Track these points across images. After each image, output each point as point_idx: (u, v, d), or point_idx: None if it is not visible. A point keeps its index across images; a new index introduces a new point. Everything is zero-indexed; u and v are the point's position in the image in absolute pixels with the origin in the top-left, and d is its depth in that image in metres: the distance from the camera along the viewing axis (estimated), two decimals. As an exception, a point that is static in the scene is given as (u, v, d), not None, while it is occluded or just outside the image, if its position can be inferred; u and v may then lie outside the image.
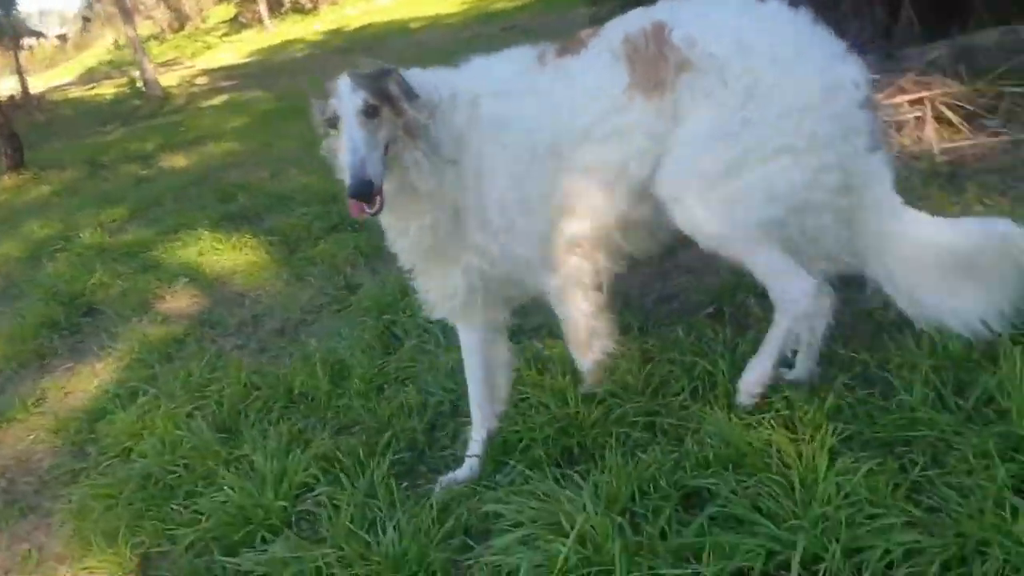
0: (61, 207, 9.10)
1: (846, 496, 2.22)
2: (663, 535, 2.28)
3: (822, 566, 2.05)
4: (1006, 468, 2.16)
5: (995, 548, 1.97)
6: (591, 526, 2.24)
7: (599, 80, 2.74)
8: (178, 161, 10.28)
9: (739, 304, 3.51)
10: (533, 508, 2.49)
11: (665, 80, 2.67)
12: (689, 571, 2.14)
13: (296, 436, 3.35)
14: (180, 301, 5.48)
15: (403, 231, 2.80)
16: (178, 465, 3.39)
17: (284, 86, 15.04)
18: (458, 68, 2.91)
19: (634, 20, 2.79)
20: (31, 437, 4.19)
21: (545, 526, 2.38)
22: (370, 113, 2.50)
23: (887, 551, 2.05)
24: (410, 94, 2.61)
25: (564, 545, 2.23)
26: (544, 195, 2.81)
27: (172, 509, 3.16)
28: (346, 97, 2.51)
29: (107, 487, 3.41)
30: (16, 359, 5.09)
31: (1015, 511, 2.03)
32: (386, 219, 2.78)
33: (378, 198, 2.48)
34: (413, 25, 18.87)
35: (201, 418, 3.66)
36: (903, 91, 4.96)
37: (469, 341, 3.09)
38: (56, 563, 3.17)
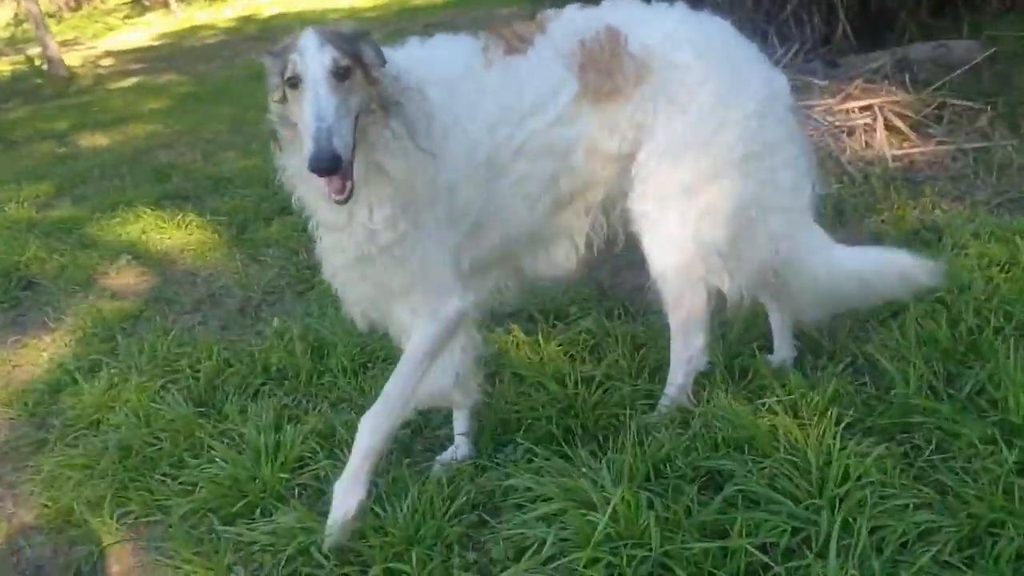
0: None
1: (858, 479, 2.33)
2: (687, 512, 2.35)
3: (843, 544, 2.15)
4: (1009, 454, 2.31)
5: (1008, 528, 2.10)
6: (624, 499, 2.28)
7: (546, 89, 2.59)
8: (98, 140, 9.89)
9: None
10: (550, 483, 2.53)
11: (621, 89, 2.60)
12: (716, 546, 2.21)
13: (282, 412, 3.30)
14: (126, 278, 5.30)
15: (346, 223, 2.41)
16: (158, 438, 3.30)
17: (202, 71, 14.65)
18: (397, 49, 2.55)
19: (585, 23, 2.66)
20: (-20, 409, 3.99)
21: (569, 501, 2.42)
22: (341, 75, 2.18)
23: (904, 531, 2.16)
24: (384, 62, 2.33)
25: (597, 518, 2.28)
26: (467, 210, 2.58)
27: (157, 480, 3.08)
28: (311, 54, 2.17)
29: (81, 457, 3.29)
30: (-49, 331, 4.84)
31: None
32: (324, 209, 2.43)
33: (348, 182, 2.17)
34: (330, 16, 18.60)
35: (176, 392, 3.57)
36: (851, 97, 5.20)
37: None
38: (33, 532, 3.04)
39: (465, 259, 2.61)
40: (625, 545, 2.20)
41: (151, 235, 5.85)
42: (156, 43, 20.34)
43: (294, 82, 2.19)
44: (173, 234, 5.80)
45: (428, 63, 2.55)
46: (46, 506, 3.13)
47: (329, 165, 2.06)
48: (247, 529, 2.70)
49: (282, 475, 2.89)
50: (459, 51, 2.64)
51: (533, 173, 2.62)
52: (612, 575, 2.14)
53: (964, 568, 2.04)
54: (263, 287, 4.77)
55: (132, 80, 15.17)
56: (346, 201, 2.20)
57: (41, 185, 7.76)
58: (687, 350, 2.85)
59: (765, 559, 2.12)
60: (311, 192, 2.42)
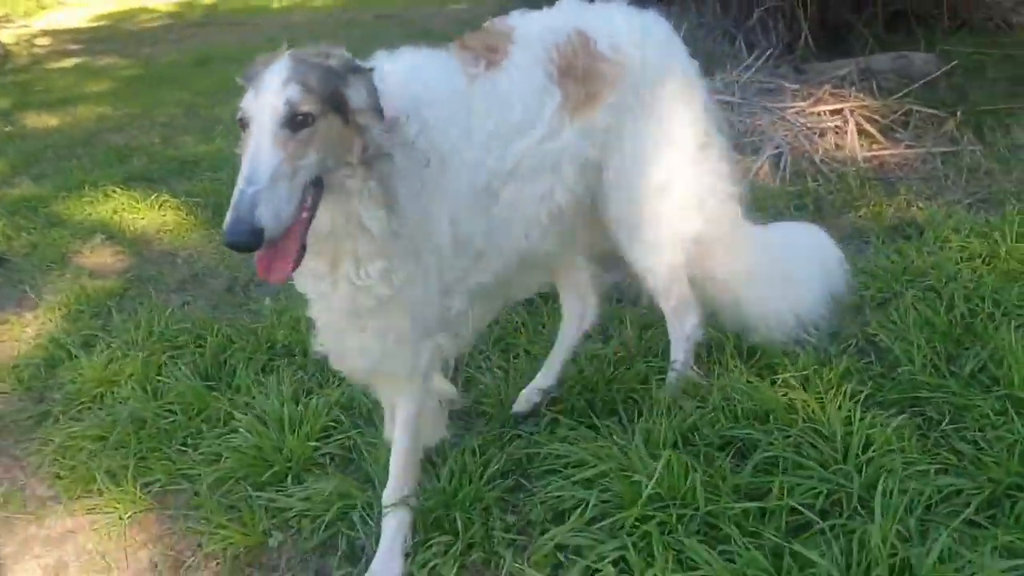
0: (-84, 157, 8.37)
1: (879, 447, 2.50)
2: (722, 476, 2.48)
3: (870, 505, 2.31)
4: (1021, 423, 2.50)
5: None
6: (670, 462, 2.41)
7: (532, 102, 2.43)
8: (45, 121, 9.64)
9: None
10: (583, 450, 2.64)
11: (599, 93, 2.54)
12: (756, 506, 2.35)
13: (299, 386, 3.35)
14: (101, 257, 5.24)
15: (334, 282, 2.17)
16: (170, 410, 3.32)
17: (145, 55, 14.33)
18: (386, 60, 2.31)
19: (552, 27, 2.54)
20: (-33, 383, 3.93)
21: (608, 465, 2.53)
22: (298, 123, 1.83)
23: (929, 494, 2.32)
24: (377, 109, 2.00)
25: (642, 480, 2.40)
26: (470, 240, 2.39)
27: (178, 451, 3.10)
28: (267, 92, 1.84)
29: (93, 429, 3.29)
30: (-77, 305, 4.73)
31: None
32: (312, 263, 2.09)
33: (282, 261, 1.85)
34: (275, 5, 18.42)
35: (183, 366, 3.58)
36: (821, 101, 5.44)
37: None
38: (51, 502, 3.03)
39: (463, 291, 2.45)
40: (672, 504, 2.33)
41: (123, 215, 5.77)
42: (94, 24, 19.79)
43: (243, 123, 1.88)
44: (146, 215, 5.74)
45: (413, 86, 2.25)
46: (60, 476, 3.12)
47: (242, 241, 1.70)
48: (282, 495, 2.75)
49: (310, 444, 2.94)
50: (439, 70, 2.37)
51: (529, 193, 2.48)
52: (664, 533, 2.25)
53: (989, 526, 2.20)
54: (249, 268, 4.76)
55: (71, 61, 14.75)
56: (280, 282, 1.91)
57: (-6, 163, 7.58)
58: (683, 329, 2.98)
59: (810, 516, 2.26)
60: None
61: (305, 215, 1.88)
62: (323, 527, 2.61)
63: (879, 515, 2.16)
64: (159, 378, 3.54)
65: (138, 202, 5.91)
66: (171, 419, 3.26)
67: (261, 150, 1.79)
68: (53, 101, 10.77)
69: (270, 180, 1.75)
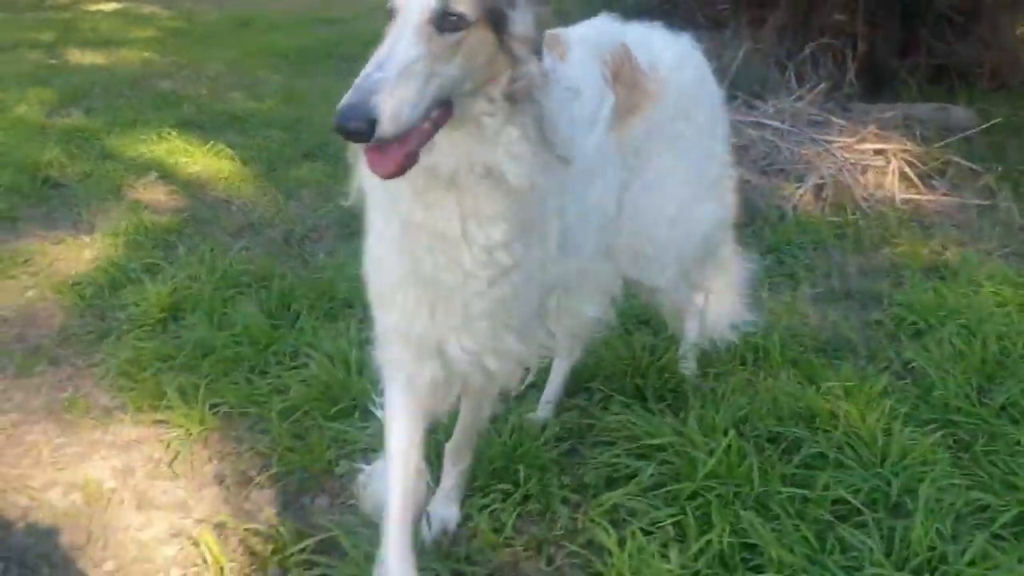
0: (-37, 78, 8.48)
1: (916, 456, 2.68)
2: (771, 465, 2.66)
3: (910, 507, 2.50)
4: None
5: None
6: (731, 444, 2.59)
7: (595, 100, 2.30)
8: (90, 58, 9.78)
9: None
10: (637, 425, 2.83)
11: (640, 105, 2.47)
12: (802, 494, 2.54)
13: (361, 335, 3.51)
14: (156, 194, 5.38)
15: (436, 235, 1.82)
16: (236, 341, 3.47)
17: (187, 9, 14.48)
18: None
19: (602, 33, 2.49)
20: (28, 294, 4.07)
21: (665, 439, 2.72)
22: (448, 25, 1.59)
23: (960, 505, 2.51)
24: (538, 44, 1.75)
25: (700, 457, 2.58)
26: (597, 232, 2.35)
27: (246, 379, 3.26)
28: None
29: (160, 349, 3.44)
30: (-17, 217, 4.87)
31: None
32: (406, 203, 1.80)
33: (400, 152, 1.56)
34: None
35: (249, 304, 3.74)
36: (866, 140, 5.63)
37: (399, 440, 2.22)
38: (117, 412, 3.17)
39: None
40: (727, 483, 2.51)
41: (177, 158, 5.93)
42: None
43: (390, 13, 1.63)
44: (200, 161, 5.90)
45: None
46: (125, 389, 3.27)
47: (351, 127, 1.46)
48: (350, 428, 2.92)
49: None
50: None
51: (595, 193, 2.32)
52: (723, 505, 2.43)
53: (1015, 541, 2.39)
54: (304, 223, 4.92)
55: (111, 6, 14.90)
56: (389, 177, 1.58)
57: (44, 91, 7.70)
58: (693, 330, 3.20)
59: (856, 504, 2.44)
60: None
61: (427, 126, 1.60)
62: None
63: (921, 513, 2.34)
64: (225, 311, 3.69)
65: (192, 147, 6.06)
66: (238, 349, 3.42)
67: (400, 40, 1.56)
68: (97, 41, 10.92)
69: (401, 73, 1.52)
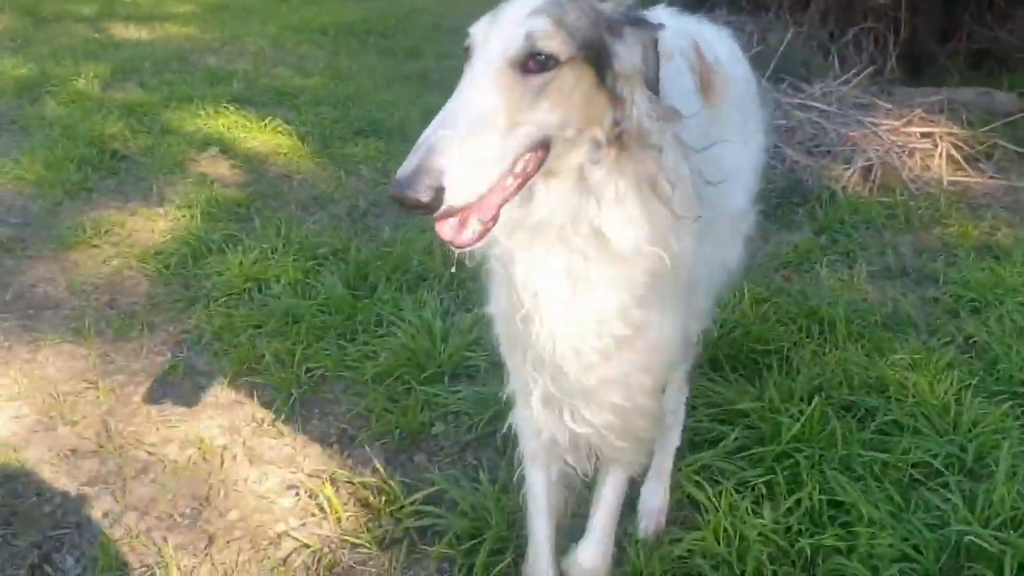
0: (20, 52, 8.63)
1: (987, 424, 2.83)
2: (849, 430, 2.82)
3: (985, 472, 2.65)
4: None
5: None
6: (816, 409, 2.75)
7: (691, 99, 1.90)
8: (135, 33, 9.91)
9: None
10: (719, 393, 2.99)
11: (715, 109, 2.05)
12: (883, 457, 2.69)
13: (441, 304, 3.67)
14: (219, 168, 5.54)
15: (539, 297, 1.61)
16: (322, 310, 3.64)
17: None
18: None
19: (680, 35, 2.02)
20: (113, 263, 4.24)
21: (748, 404, 2.88)
22: (532, 66, 1.39)
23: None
24: (654, 80, 1.52)
25: (784, 422, 2.74)
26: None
27: (337, 346, 3.42)
28: (506, 18, 1.43)
29: (251, 318, 3.62)
30: (60, 187, 5.03)
31: None
32: (508, 259, 1.61)
33: (476, 218, 1.37)
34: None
35: (329, 274, 3.91)
36: (912, 123, 5.75)
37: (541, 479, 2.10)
38: (218, 375, 3.35)
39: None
40: (812, 446, 2.67)
41: (235, 133, 6.08)
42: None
43: (467, 51, 1.45)
44: (258, 136, 6.05)
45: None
46: (226, 353, 3.44)
47: (410, 198, 1.25)
48: (441, 392, 3.08)
49: (463, 352, 3.26)
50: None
51: None
52: (810, 466, 2.59)
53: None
54: (367, 198, 5.08)
55: (148, -21, 14.99)
56: (465, 248, 1.38)
57: (97, 66, 7.85)
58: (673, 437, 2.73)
59: (937, 466, 2.60)
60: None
61: (512, 183, 1.40)
62: (482, 423, 2.94)
63: (1001, 475, 2.49)
64: (307, 281, 3.86)
65: (250, 123, 6.21)
66: (324, 318, 3.59)
67: (473, 87, 1.35)
68: (139, 15, 11.04)
69: (473, 128, 1.30)
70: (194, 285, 4.01)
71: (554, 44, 1.39)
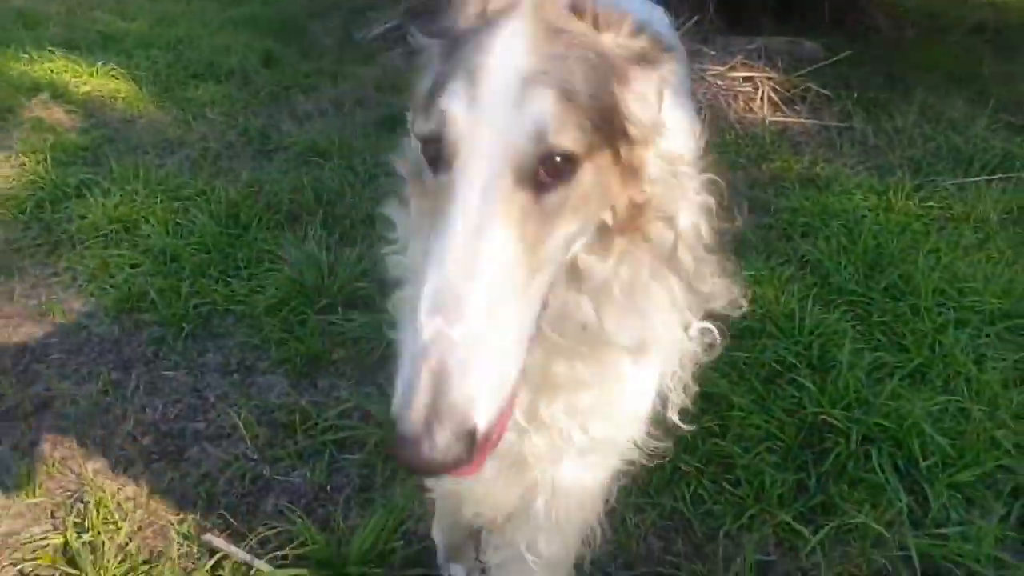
0: None
1: (827, 327, 3.28)
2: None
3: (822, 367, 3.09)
4: None
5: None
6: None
7: None
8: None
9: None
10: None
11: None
12: (743, 357, 3.07)
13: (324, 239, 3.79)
14: (53, 114, 5.35)
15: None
16: (199, 249, 3.68)
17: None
18: None
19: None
20: (-42, 210, 4.09)
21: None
22: (548, 177, 1.07)
23: (864, 365, 3.11)
24: (658, 127, 1.23)
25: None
26: None
27: (223, 282, 3.49)
28: (494, 95, 1.06)
29: (123, 257, 3.61)
30: None
31: None
32: None
33: (496, 435, 1.01)
34: None
35: (200, 214, 3.93)
36: (735, 69, 6.26)
37: None
38: (99, 314, 3.35)
39: None
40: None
41: (65, 78, 5.86)
42: None
43: (436, 149, 1.08)
44: (90, 81, 5.85)
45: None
46: (105, 293, 3.44)
47: (435, 461, 0.93)
48: (337, 320, 3.23)
49: (356, 284, 3.41)
50: None
51: None
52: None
53: (913, 388, 3.01)
54: (219, 141, 5.06)
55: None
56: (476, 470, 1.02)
57: None
58: None
59: (789, 360, 3.01)
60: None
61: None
62: (381, 347, 3.11)
63: (844, 367, 2.92)
64: (178, 222, 3.88)
65: (79, 67, 5.99)
66: (203, 256, 3.63)
67: (478, 235, 1.00)
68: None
69: (490, 306, 0.98)
70: (56, 229, 3.93)
71: (570, 135, 1.05)
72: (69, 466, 2.60)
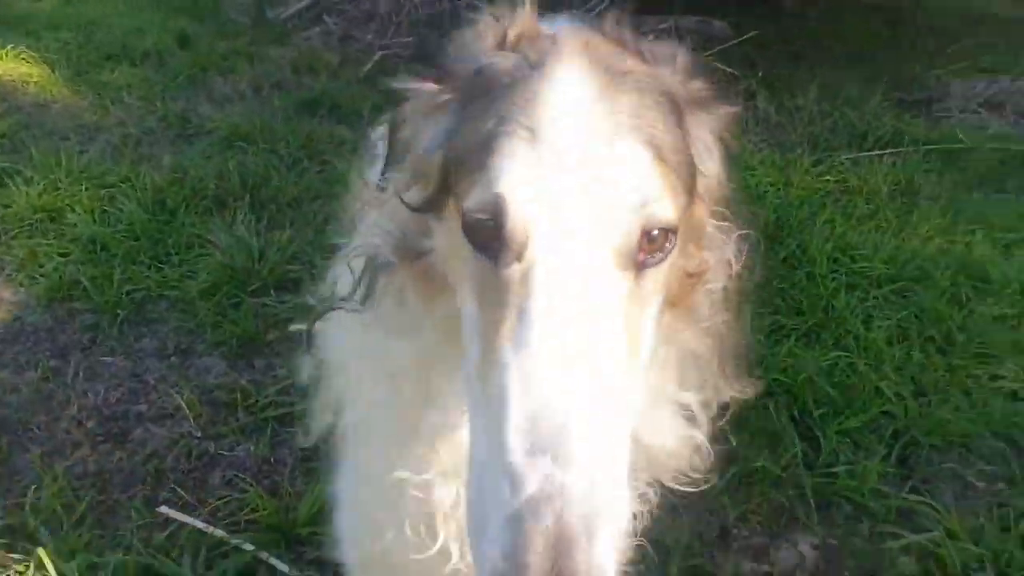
0: None
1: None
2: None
3: None
4: None
5: None
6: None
7: None
8: None
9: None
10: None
11: None
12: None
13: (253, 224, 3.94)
14: (-40, 99, 5.35)
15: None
16: (127, 236, 3.80)
17: None
18: None
19: None
20: None
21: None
22: (645, 256, 0.95)
23: (768, 325, 3.42)
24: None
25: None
26: None
27: (155, 268, 3.62)
28: (577, 169, 0.91)
29: (51, 246, 3.72)
30: None
31: None
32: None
33: None
34: None
35: (126, 201, 4.04)
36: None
37: None
38: (33, 304, 3.45)
39: None
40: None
41: (-34, 61, 5.84)
42: None
43: (492, 233, 0.91)
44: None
45: None
46: (35, 283, 3.54)
47: None
48: (270, 302, 3.40)
49: (286, 266, 3.58)
50: None
51: None
52: None
53: (808, 348, 3.33)
54: (139, 126, 5.13)
55: None
56: None
57: None
58: None
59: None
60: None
61: None
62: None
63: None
64: (105, 209, 3.98)
65: (-17, 49, 5.97)
66: (132, 243, 3.75)
67: (581, 342, 0.86)
68: None
69: (610, 433, 0.84)
70: (-21, 221, 4.00)
71: (670, 201, 0.93)
72: (16, 451, 2.73)
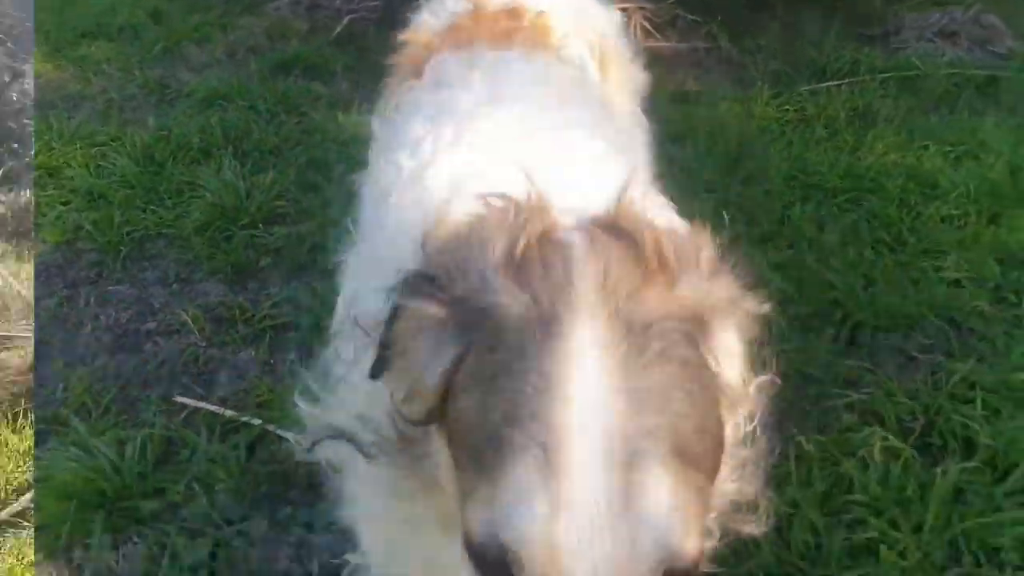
0: None
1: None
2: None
3: None
4: None
5: None
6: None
7: None
8: None
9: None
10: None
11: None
12: None
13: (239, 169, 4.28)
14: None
15: None
16: (122, 186, 4.15)
17: None
18: None
19: None
20: None
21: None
22: None
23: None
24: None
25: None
26: None
27: (149, 211, 3.97)
28: (594, 491, 0.83)
29: (53, 196, 4.06)
30: None
31: None
32: None
33: None
34: None
35: (117, 156, 4.39)
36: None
37: None
38: (41, 245, 3.80)
39: None
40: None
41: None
42: None
43: (500, 569, 0.87)
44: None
45: None
46: (40, 227, 3.89)
47: None
48: (260, 234, 3.76)
49: (273, 203, 3.93)
50: None
51: None
52: None
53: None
54: (121, 93, 5.47)
55: None
56: None
57: None
58: None
59: None
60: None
61: None
62: (303, 254, 3.65)
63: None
64: (99, 164, 4.33)
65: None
66: (126, 192, 4.10)
67: None
68: None
69: None
70: (-24, 177, 4.34)
71: (695, 534, 0.86)
72: (42, 362, 3.09)
